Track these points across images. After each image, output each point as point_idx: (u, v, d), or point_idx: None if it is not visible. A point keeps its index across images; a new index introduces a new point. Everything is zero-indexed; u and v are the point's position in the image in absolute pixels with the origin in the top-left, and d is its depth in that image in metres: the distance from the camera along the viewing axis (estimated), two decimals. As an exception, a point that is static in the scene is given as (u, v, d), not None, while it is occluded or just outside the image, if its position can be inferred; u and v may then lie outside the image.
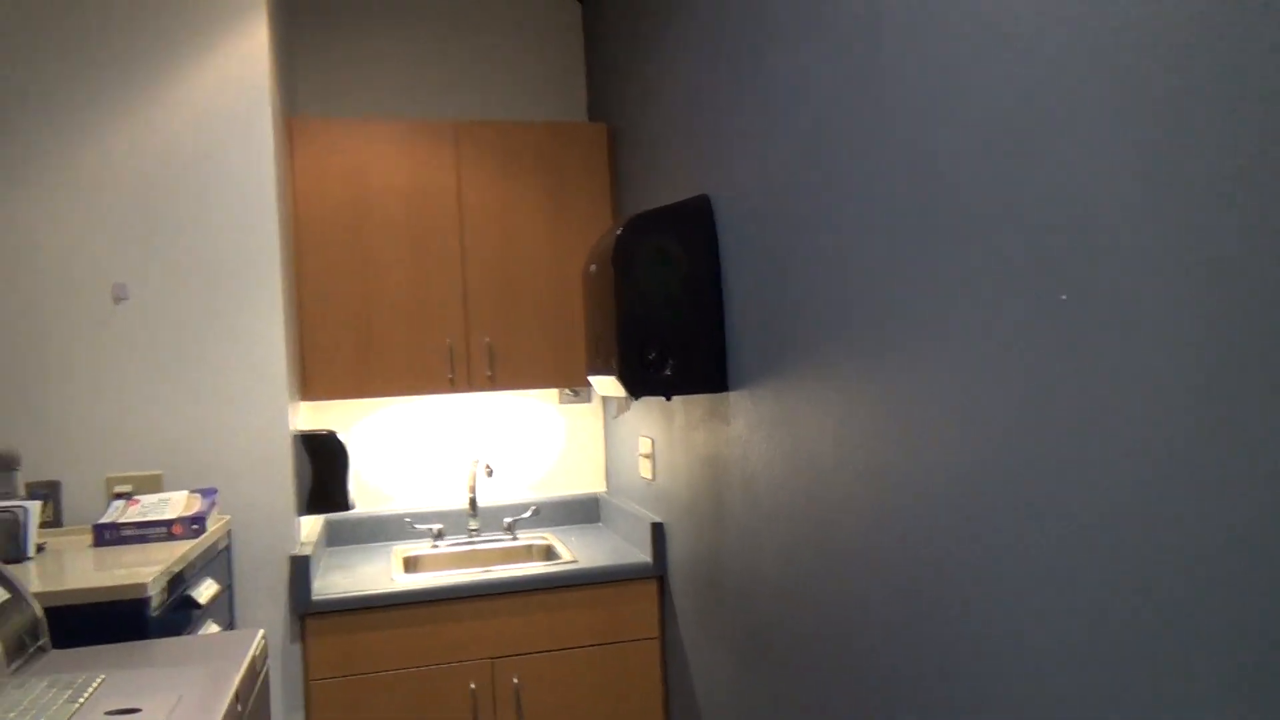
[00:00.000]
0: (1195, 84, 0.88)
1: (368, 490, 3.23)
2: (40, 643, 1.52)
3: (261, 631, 1.65)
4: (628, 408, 2.73)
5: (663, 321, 2.13)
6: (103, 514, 2.30)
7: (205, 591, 2.11)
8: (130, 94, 2.47)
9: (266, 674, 1.65)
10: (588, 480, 3.42)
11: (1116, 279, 0.98)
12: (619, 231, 2.14)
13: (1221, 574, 0.86)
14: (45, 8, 2.43)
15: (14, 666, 1.41)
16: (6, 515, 2.04)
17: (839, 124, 1.56)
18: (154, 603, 1.77)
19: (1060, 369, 1.07)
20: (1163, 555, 0.93)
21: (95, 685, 1.29)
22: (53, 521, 2.39)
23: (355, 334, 2.87)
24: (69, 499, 2.43)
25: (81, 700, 1.23)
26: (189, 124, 2.50)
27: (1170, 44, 0.90)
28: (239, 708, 1.34)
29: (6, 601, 1.47)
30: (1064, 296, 1.07)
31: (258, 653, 1.56)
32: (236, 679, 1.38)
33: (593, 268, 2.34)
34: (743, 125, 1.97)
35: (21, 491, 2.30)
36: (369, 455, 3.23)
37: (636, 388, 2.14)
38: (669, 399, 2.22)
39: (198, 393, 2.50)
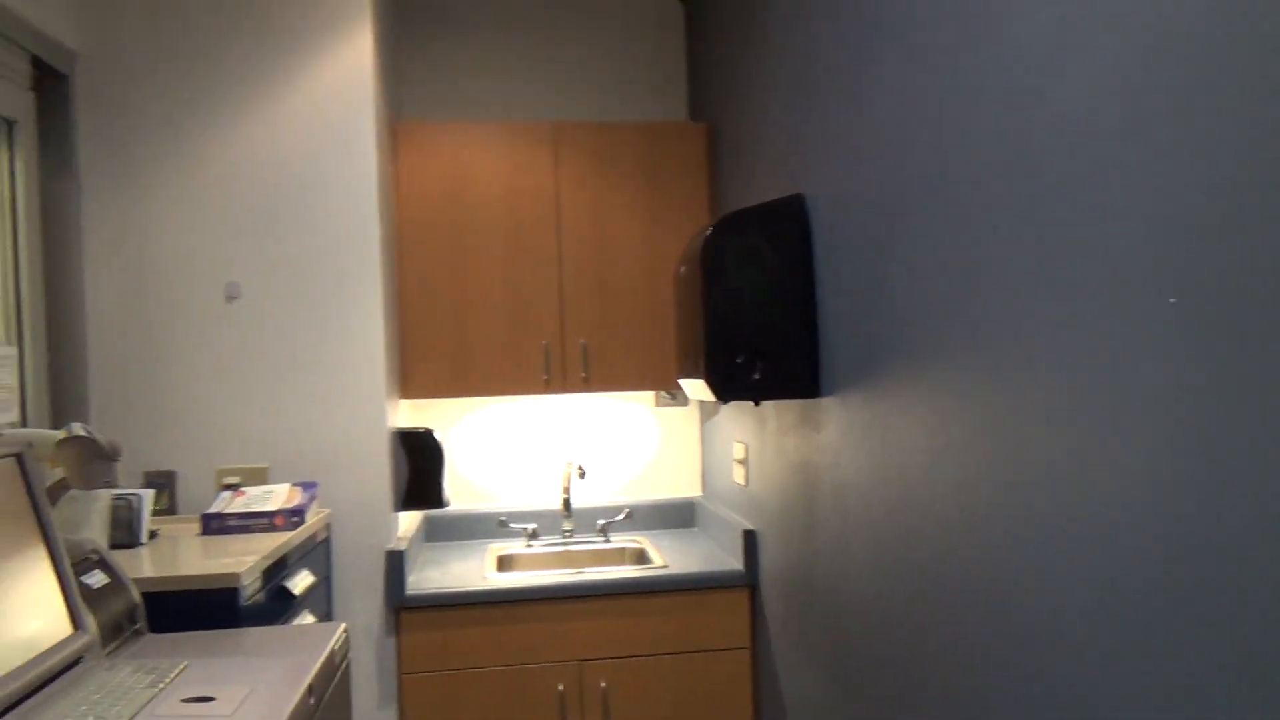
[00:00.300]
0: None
1: (467, 488, 3.28)
2: (136, 626, 1.58)
3: (343, 625, 1.68)
4: (716, 412, 2.67)
5: (752, 324, 2.07)
6: (211, 504, 2.40)
7: (301, 583, 2.17)
8: (243, 106, 2.58)
9: (347, 667, 1.68)
10: (684, 484, 3.38)
11: (1232, 278, 0.88)
12: (708, 232, 2.10)
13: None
14: (166, 32, 2.56)
15: (110, 648, 1.47)
16: (121, 503, 2.15)
17: (932, 120, 1.48)
18: (247, 592, 1.83)
19: (1167, 377, 0.97)
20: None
21: (177, 672, 1.34)
22: (168, 510, 2.51)
23: (453, 334, 2.92)
24: (183, 489, 2.55)
25: (161, 686, 1.27)
26: (297, 132, 2.59)
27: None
28: (311, 700, 1.36)
29: (106, 586, 1.54)
30: (1173, 300, 0.97)
31: (337, 646, 1.59)
32: (311, 672, 1.40)
33: (682, 269, 2.30)
34: (836, 122, 1.90)
35: (121, 481, 2.42)
36: (469, 454, 3.27)
37: (724, 392, 2.09)
38: (757, 404, 2.15)
39: (302, 389, 2.58)
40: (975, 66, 1.34)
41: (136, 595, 1.60)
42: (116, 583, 1.56)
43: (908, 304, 1.59)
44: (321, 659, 1.47)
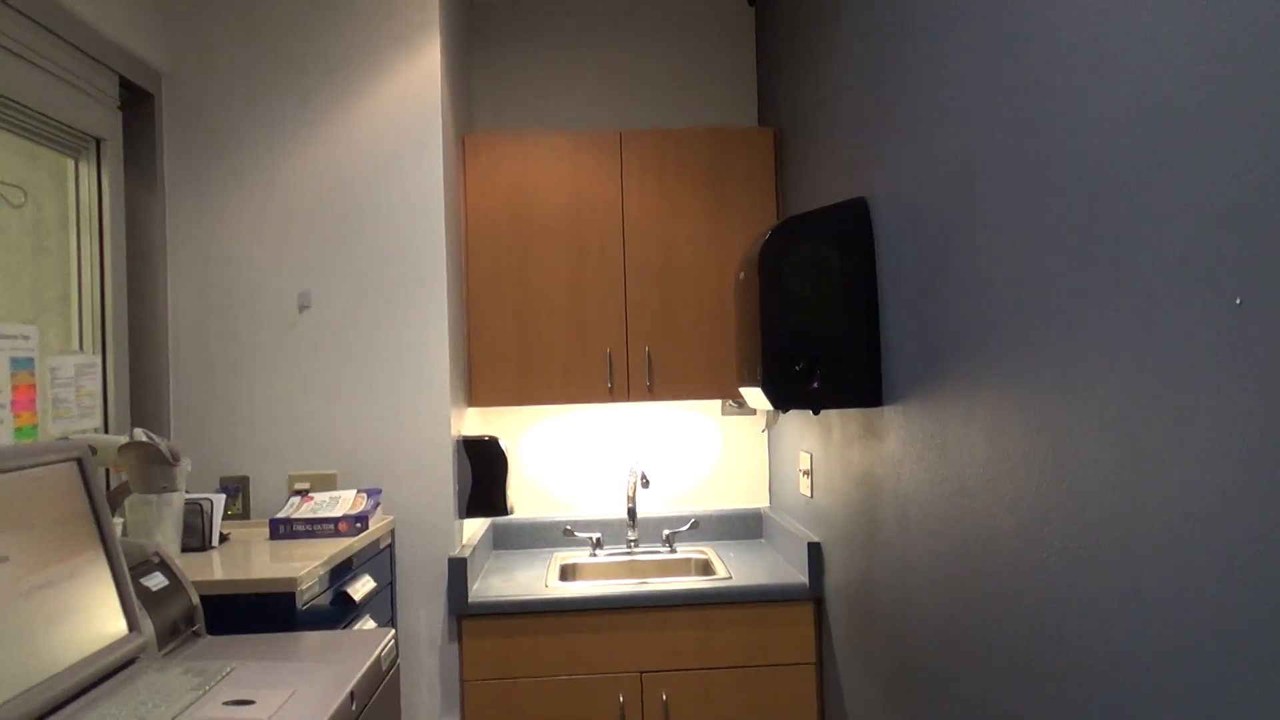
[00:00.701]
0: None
1: (536, 496, 3.29)
2: (195, 628, 1.62)
3: (392, 632, 1.69)
4: (775, 421, 2.62)
5: (812, 331, 2.02)
6: (281, 508, 2.46)
7: (362, 588, 2.20)
8: (316, 121, 2.65)
9: (396, 673, 1.69)
10: (751, 495, 3.32)
11: (1297, 279, 0.80)
12: (766, 236, 2.05)
13: None
14: (242, 45, 2.64)
15: (166, 650, 1.51)
16: (194, 507, 2.21)
17: (992, 121, 1.41)
18: (304, 597, 1.86)
19: (1232, 384, 0.89)
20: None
21: (224, 674, 1.36)
22: (241, 514, 2.58)
23: (517, 342, 2.93)
24: (257, 493, 2.63)
25: (207, 689, 1.29)
26: (367, 145, 2.65)
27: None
28: (352, 706, 1.36)
29: (165, 589, 1.58)
30: (1239, 300, 0.89)
31: (384, 653, 1.60)
32: (355, 678, 1.41)
33: (741, 275, 2.26)
34: (900, 125, 1.84)
35: (197, 486, 2.50)
36: (538, 462, 3.29)
37: (781, 400, 2.04)
38: (816, 413, 2.09)
39: (369, 396, 2.63)
40: (1036, 68, 1.27)
41: (195, 598, 1.65)
42: (175, 585, 1.61)
43: (968, 311, 1.52)
44: (367, 665, 1.48)
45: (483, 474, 2.79)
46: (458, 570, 2.56)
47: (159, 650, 1.48)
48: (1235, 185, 0.87)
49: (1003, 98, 1.36)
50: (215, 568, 1.98)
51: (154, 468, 1.72)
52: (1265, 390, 0.84)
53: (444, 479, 2.62)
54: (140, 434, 1.73)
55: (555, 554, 3.12)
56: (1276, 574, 0.83)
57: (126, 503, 1.98)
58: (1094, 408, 1.13)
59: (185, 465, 2.02)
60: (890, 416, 1.94)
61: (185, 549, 2.18)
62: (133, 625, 1.41)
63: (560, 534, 3.24)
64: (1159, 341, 1.00)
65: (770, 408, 2.08)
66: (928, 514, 1.73)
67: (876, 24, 1.94)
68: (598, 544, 3.11)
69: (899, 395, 1.88)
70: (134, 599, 1.42)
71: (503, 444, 2.79)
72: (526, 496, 3.29)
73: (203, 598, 1.79)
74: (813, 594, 2.59)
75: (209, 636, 1.67)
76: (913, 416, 1.80)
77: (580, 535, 3.14)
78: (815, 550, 2.58)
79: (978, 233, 1.46)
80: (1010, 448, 1.37)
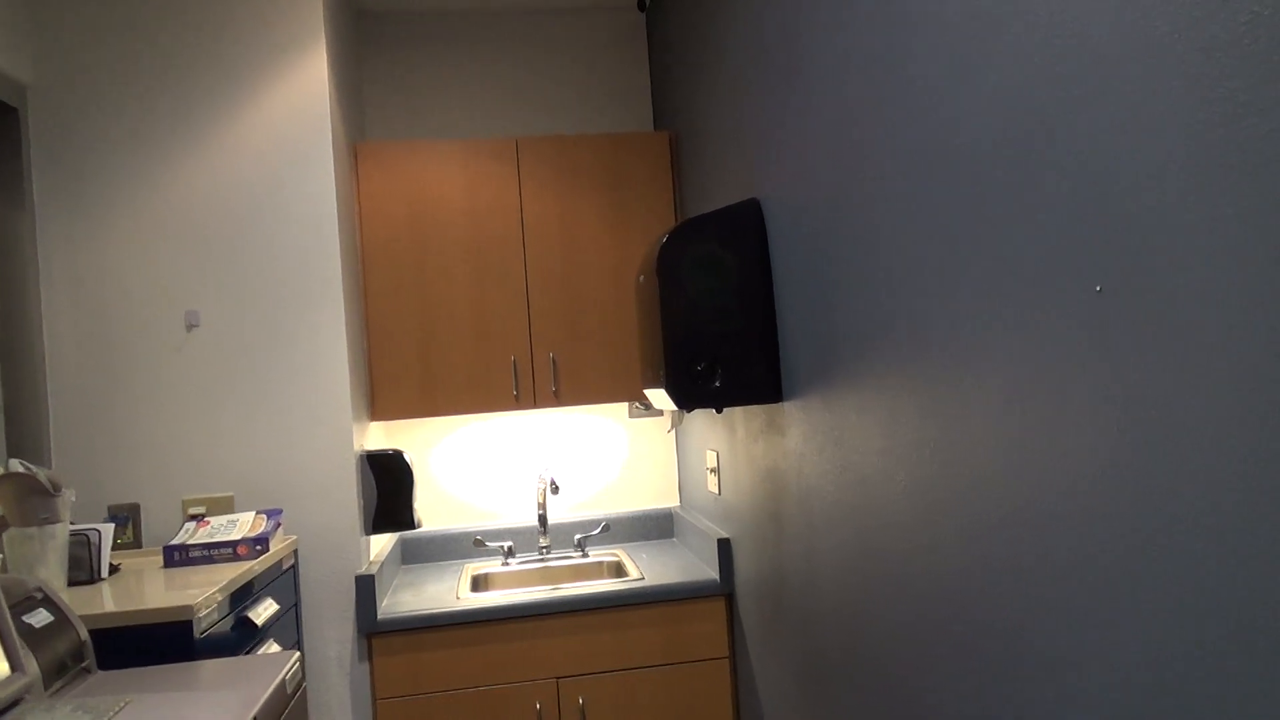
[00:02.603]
0: (1239, 56, 0.76)
1: (449, 508, 3.24)
2: (84, 664, 1.55)
3: (296, 654, 1.65)
4: (680, 421, 2.65)
5: (711, 330, 2.05)
6: (175, 535, 2.37)
7: (264, 612, 2.13)
8: (198, 132, 2.56)
9: (302, 697, 1.65)
10: (661, 495, 3.35)
11: (1155, 267, 0.86)
12: (664, 240, 2.08)
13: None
14: (117, 53, 2.53)
15: (53, 689, 1.44)
16: (80, 538, 2.11)
17: (870, 121, 1.46)
18: (202, 625, 1.79)
19: (1099, 366, 0.95)
20: (1220, 563, 0.81)
21: (118, 710, 1.30)
22: (133, 543, 2.47)
23: (421, 354, 2.89)
24: (150, 521, 2.52)
25: (99, 725, 1.24)
26: (254, 156, 2.57)
27: (1211, 6, 0.79)
28: (257, 734, 1.32)
29: (50, 624, 1.50)
30: (1099, 288, 0.95)
31: (289, 676, 1.55)
32: (258, 705, 1.37)
33: (641, 278, 2.28)
34: (787, 128, 1.89)
35: (83, 516, 2.39)
36: (449, 474, 3.24)
37: (685, 400, 2.06)
38: (719, 411, 2.13)
39: (266, 415, 2.55)
40: (908, 67, 1.33)
41: (83, 633, 1.57)
42: (61, 621, 1.53)
43: (859, 305, 1.57)
44: (270, 690, 1.44)
45: (388, 488, 2.74)
46: (365, 587, 2.50)
47: (45, 690, 1.41)
48: (1090, 178, 0.93)
49: (878, 97, 1.41)
50: (105, 600, 1.89)
51: (32, 499, 1.63)
52: (1123, 369, 0.90)
53: (347, 495, 2.57)
54: (16, 464, 1.64)
55: (466, 565, 3.09)
56: (1143, 541, 0.89)
57: (4, 537, 1.88)
58: (980, 394, 1.19)
59: (68, 495, 1.93)
60: (790, 412, 1.99)
61: (73, 583, 2.08)
62: (15, 665, 1.34)
63: (471, 545, 3.20)
64: (1034, 327, 1.06)
65: (675, 408, 2.11)
66: (829, 504, 1.78)
67: (763, 31, 1.99)
68: (509, 553, 3.09)
69: (798, 391, 1.93)
70: (15, 637, 1.35)
71: (408, 457, 2.75)
72: (439, 509, 3.24)
73: (93, 632, 1.71)
74: (724, 589, 2.63)
75: (101, 672, 1.60)
76: (812, 411, 1.85)
77: (491, 545, 3.12)
78: (725, 546, 2.63)
79: (864, 230, 1.52)
80: (903, 436, 1.43)
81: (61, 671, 1.48)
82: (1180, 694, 0.85)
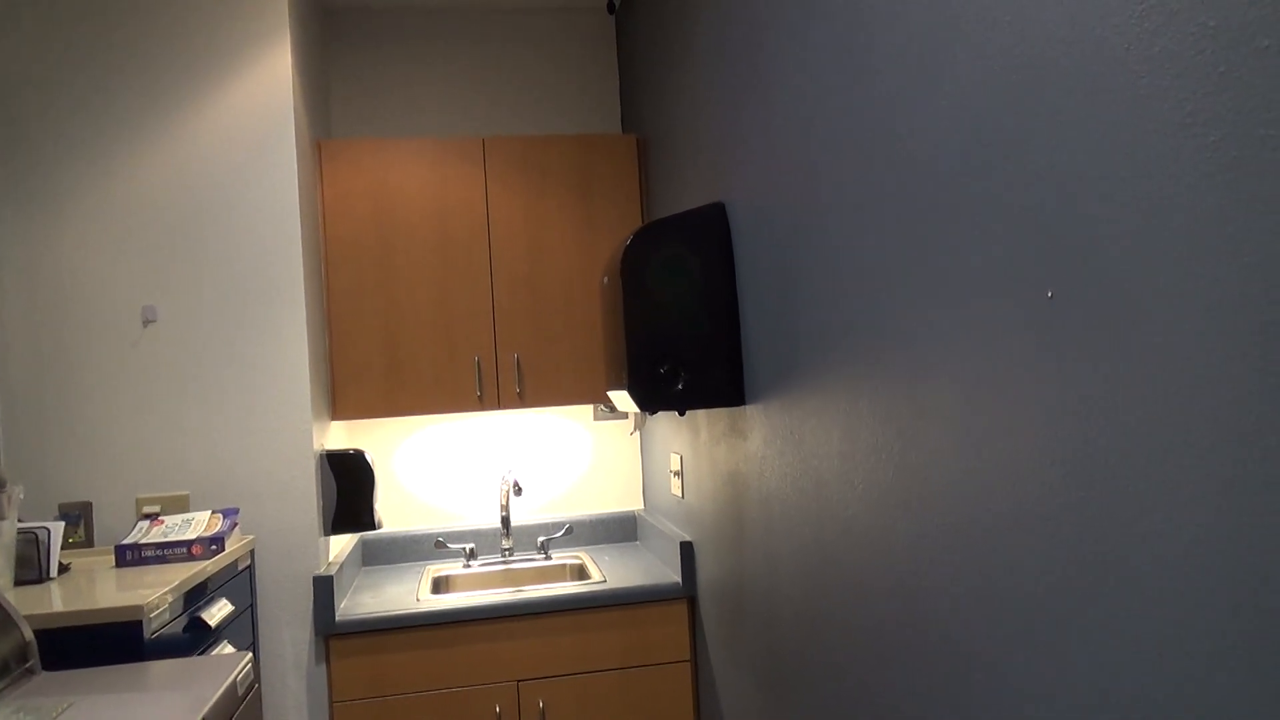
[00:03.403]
0: (1187, 68, 0.78)
1: (411, 509, 3.21)
2: (28, 665, 1.51)
3: (248, 655, 1.62)
4: (644, 423, 2.65)
5: (675, 333, 2.05)
6: (128, 534, 2.32)
7: (218, 613, 2.10)
8: (157, 125, 2.52)
9: (256, 698, 1.62)
10: (624, 498, 3.35)
11: (1104, 274, 0.87)
12: (628, 242, 2.08)
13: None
14: (75, 42, 2.49)
15: (-5, 690, 1.40)
16: (28, 536, 2.07)
17: (831, 128, 1.47)
18: (152, 625, 1.76)
19: (1049, 372, 0.96)
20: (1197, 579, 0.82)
21: (61, 711, 1.27)
22: (85, 542, 2.42)
23: (384, 353, 2.87)
24: (103, 520, 2.47)
25: (40, 728, 1.21)
26: (215, 150, 2.54)
27: (1160, 19, 0.80)
28: (205, 736, 1.30)
29: (-7, 624, 1.47)
30: (1050, 294, 0.96)
31: (240, 677, 1.53)
32: (207, 706, 1.34)
33: (605, 280, 2.28)
34: (752, 132, 1.89)
35: (33, 514, 2.34)
36: (411, 474, 3.21)
37: (648, 402, 2.06)
38: (682, 414, 2.13)
39: (224, 413, 2.52)
40: (867, 74, 1.34)
41: (28, 633, 1.53)
42: (4, 620, 1.50)
43: (820, 310, 1.58)
44: (220, 691, 1.41)
45: (348, 488, 2.71)
46: (323, 588, 2.47)
47: (-14, 691, 1.38)
48: (1041, 186, 0.95)
49: (838, 105, 1.42)
50: (54, 600, 1.85)
51: (-23, 495, 1.59)
52: (1072, 374, 0.91)
53: (306, 495, 2.53)
54: (-39, 460, 1.60)
55: (428, 567, 3.06)
56: (1096, 545, 0.90)
57: (-52, 535, 1.83)
58: (937, 399, 1.20)
59: (16, 492, 1.89)
60: (753, 415, 2.00)
61: (20, 582, 2.03)
62: (-45, 666, 1.30)
63: (432, 546, 3.18)
64: (988, 333, 1.07)
65: (638, 410, 2.11)
66: (790, 508, 1.78)
67: (729, 36, 2.00)
68: (471, 554, 3.07)
69: (760, 394, 1.94)
70: (-45, 638, 1.32)
71: (369, 457, 2.72)
72: (401, 510, 3.21)
73: (39, 632, 1.67)
74: (686, 592, 2.63)
75: (46, 673, 1.56)
76: (773, 414, 1.86)
77: (453, 546, 3.09)
78: (687, 549, 2.63)
79: (825, 235, 1.53)
80: (861, 440, 1.43)
81: (4, 673, 1.44)
82: (1134, 692, 0.86)
